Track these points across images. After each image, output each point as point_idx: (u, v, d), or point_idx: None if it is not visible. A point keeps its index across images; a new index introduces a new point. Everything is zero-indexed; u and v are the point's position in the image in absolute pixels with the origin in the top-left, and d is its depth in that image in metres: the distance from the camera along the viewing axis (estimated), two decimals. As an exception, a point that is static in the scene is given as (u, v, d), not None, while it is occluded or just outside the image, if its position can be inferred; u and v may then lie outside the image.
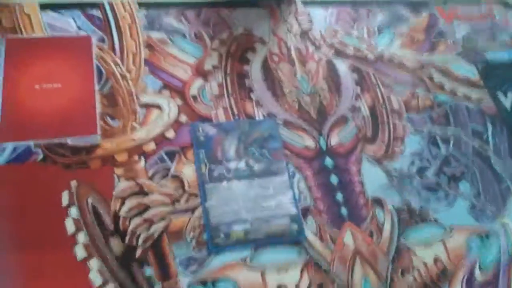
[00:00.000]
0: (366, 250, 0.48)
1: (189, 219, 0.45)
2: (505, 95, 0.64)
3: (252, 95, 0.54)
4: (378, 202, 0.51)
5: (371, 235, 0.48)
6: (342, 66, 0.59)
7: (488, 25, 0.71)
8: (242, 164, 0.48)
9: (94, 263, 0.41)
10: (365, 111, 0.57)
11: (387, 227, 0.50)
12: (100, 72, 0.51)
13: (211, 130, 0.50)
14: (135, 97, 0.50)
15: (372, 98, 0.58)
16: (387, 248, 0.48)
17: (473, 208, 0.53)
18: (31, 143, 0.45)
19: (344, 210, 0.49)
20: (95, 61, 0.51)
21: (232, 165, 0.48)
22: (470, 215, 0.53)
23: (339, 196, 0.50)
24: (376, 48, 0.62)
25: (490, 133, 0.59)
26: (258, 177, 0.48)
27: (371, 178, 0.52)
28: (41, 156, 0.45)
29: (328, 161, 0.52)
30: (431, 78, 0.62)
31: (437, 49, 0.65)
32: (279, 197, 0.47)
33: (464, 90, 0.62)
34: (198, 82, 0.53)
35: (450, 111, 0.60)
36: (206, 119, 0.51)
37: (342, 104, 0.56)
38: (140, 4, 0.57)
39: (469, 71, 0.65)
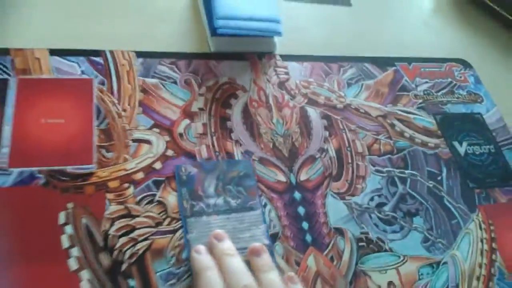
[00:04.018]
0: (327, 272, 0.53)
1: (170, 239, 0.51)
2: (460, 144, 0.72)
3: (232, 135, 0.61)
4: (340, 231, 0.57)
5: (332, 260, 0.54)
6: (314, 113, 0.67)
7: (447, 81, 0.80)
8: (220, 201, 0.54)
9: (85, 274, 0.47)
10: (332, 152, 0.64)
11: (346, 254, 0.55)
12: (99, 111, 0.58)
13: (193, 170, 0.56)
14: (128, 133, 0.57)
15: (338, 142, 0.65)
16: (346, 272, 0.54)
17: (426, 241, 0.59)
18: (35, 169, 0.52)
19: (308, 237, 0.55)
20: (95, 101, 0.59)
21: (211, 201, 0.54)
22: (422, 247, 0.59)
23: (305, 225, 0.56)
24: (344, 99, 0.70)
25: (444, 175, 0.67)
26: (234, 212, 0.54)
27: (334, 210, 0.58)
28: (43, 181, 0.51)
29: (297, 194, 0.58)
30: (392, 126, 0.70)
31: (399, 101, 0.74)
32: (253, 230, 0.53)
33: (422, 137, 0.70)
34: (185, 122, 0.61)
35: (408, 155, 0.67)
36: (190, 154, 0.58)
37: (311, 145, 0.64)
38: (138, 53, 0.66)
39: (428, 122, 0.73)
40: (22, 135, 0.54)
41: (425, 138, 0.70)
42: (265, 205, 0.56)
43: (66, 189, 0.51)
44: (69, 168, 0.53)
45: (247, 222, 0.53)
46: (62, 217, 0.49)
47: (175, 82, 0.64)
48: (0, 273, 0.45)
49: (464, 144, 0.71)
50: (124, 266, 0.48)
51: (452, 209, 0.64)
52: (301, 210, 0.57)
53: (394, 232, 0.59)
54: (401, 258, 0.57)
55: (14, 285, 0.45)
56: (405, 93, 0.75)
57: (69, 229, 0.49)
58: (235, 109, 0.64)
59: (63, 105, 0.58)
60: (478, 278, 0.58)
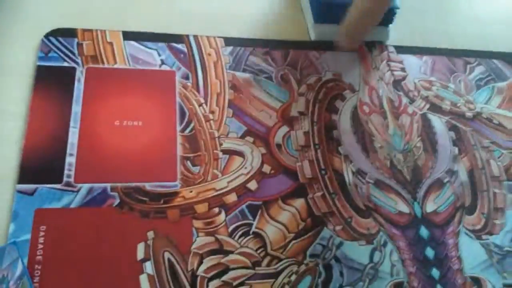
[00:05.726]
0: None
1: (272, 284, 0.41)
2: None
3: (340, 149, 0.49)
4: (477, 282, 0.45)
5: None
6: (438, 123, 0.54)
7: None
8: None
9: (167, 329, 0.37)
10: (464, 175, 0.51)
11: (487, 314, 0.43)
12: (182, 112, 0.48)
13: None
14: (217, 142, 0.47)
15: (470, 162, 0.52)
16: None
17: None
18: (107, 185, 0.42)
19: (440, 289, 0.44)
20: (178, 99, 0.48)
21: None
22: None
23: (435, 273, 0.44)
24: (474, 105, 0.57)
25: None
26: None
27: (470, 253, 0.46)
28: (117, 201, 0.42)
29: (424, 231, 0.46)
30: (532, 143, 0.56)
31: (539, 109, 0.59)
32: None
33: None
34: (283, 129, 0.49)
35: (556, 183, 0.53)
36: (291, 172, 0.47)
37: (438, 165, 0.51)
38: (226, 40, 0.54)
39: None
40: (91, 139, 0.44)
41: None
42: (384, 244, 0.44)
43: (146, 213, 0.41)
44: (149, 186, 0.43)
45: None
46: (141, 251, 0.40)
47: (269, 78, 0.52)
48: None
49: None
50: (215, 319, 0.38)
51: None
52: (429, 252, 0.45)
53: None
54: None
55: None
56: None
57: (149, 267, 0.39)
58: (343, 115, 0.52)
59: (141, 103, 0.47)
60: None
